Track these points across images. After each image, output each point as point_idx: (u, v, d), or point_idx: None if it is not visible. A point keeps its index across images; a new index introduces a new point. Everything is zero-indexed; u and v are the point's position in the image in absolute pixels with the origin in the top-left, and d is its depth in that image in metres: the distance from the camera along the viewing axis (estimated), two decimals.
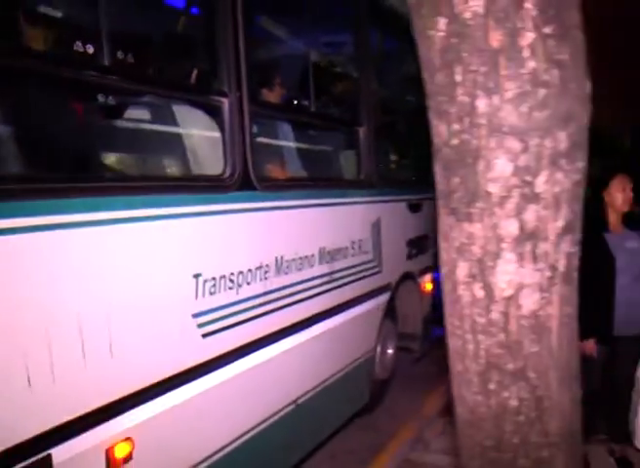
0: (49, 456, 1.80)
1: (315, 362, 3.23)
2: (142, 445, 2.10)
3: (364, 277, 3.79)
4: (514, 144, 1.29)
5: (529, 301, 1.44)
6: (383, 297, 4.16)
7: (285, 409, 2.97)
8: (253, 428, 2.68)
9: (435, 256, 5.07)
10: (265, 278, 2.74)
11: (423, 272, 4.85)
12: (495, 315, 1.47)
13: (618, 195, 3.47)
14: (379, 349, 4.29)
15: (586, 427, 3.68)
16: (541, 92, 1.26)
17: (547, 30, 1.24)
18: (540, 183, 1.32)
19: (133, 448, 2.07)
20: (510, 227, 1.36)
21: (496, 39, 1.24)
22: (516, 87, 1.25)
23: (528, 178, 1.31)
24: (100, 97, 2.52)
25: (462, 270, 1.46)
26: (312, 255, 3.17)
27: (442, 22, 1.28)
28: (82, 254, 1.87)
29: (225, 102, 2.56)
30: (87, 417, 1.91)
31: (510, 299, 1.44)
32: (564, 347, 1.54)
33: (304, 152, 3.67)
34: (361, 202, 3.80)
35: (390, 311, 4.37)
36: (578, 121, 1.32)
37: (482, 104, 1.28)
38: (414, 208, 4.58)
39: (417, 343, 4.86)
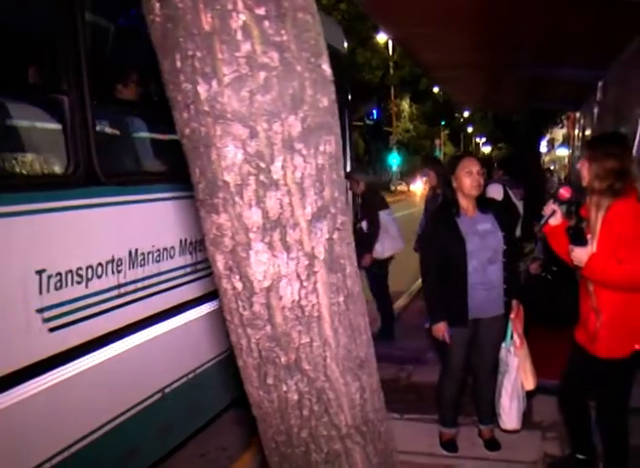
0: None
1: (184, 350, 3.19)
2: None
3: None
4: (240, 131, 1.23)
5: (289, 291, 1.40)
6: None
7: (151, 399, 2.91)
8: (113, 419, 2.61)
9: None
10: (119, 271, 2.69)
11: None
12: (257, 307, 1.42)
13: (464, 180, 3.49)
14: None
15: (455, 409, 3.78)
16: (261, 75, 1.20)
17: (261, 12, 1.19)
18: (277, 170, 1.28)
19: None
20: (254, 216, 1.32)
21: (207, 22, 1.17)
22: (233, 71, 1.19)
23: (262, 165, 1.26)
24: None
25: (220, 263, 1.41)
26: (172, 247, 3.14)
27: (157, 6, 1.21)
28: None
29: (65, 100, 2.49)
30: None
31: (270, 290, 1.39)
32: (341, 336, 1.50)
33: (159, 146, 3.58)
34: None
35: None
36: (312, 103, 1.27)
37: (203, 91, 1.22)
38: None
39: None
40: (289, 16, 1.23)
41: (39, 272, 2.25)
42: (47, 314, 2.28)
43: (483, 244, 3.48)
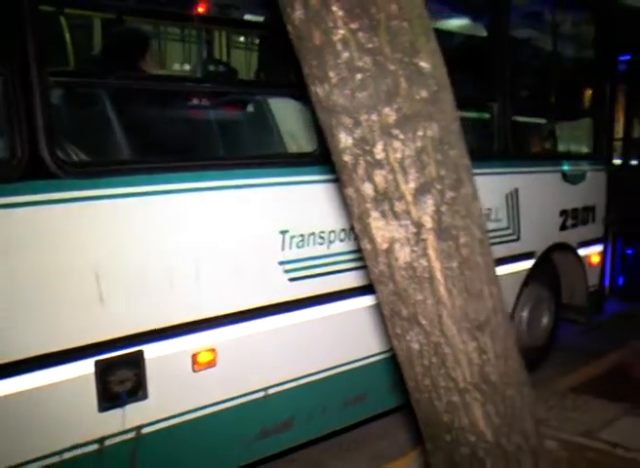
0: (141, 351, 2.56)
1: None
2: (224, 357, 2.77)
3: (493, 244, 3.93)
4: (347, 121, 1.62)
5: (402, 254, 1.73)
6: (522, 265, 4.27)
7: (382, 355, 3.34)
8: (347, 363, 3.17)
9: (607, 228, 4.95)
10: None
11: (586, 244, 4.76)
12: (382, 266, 1.80)
13: None
14: (523, 315, 4.48)
15: None
16: (358, 76, 1.57)
17: (355, 26, 1.55)
18: (380, 151, 1.63)
19: (215, 358, 2.74)
20: (368, 190, 1.69)
21: (317, 38, 1.58)
22: (337, 74, 1.58)
23: (367, 148, 1.63)
24: None
25: (356, 228, 1.82)
26: None
27: (290, 29, 1.66)
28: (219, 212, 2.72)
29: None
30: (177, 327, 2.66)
31: (389, 252, 1.75)
32: (456, 298, 1.77)
33: None
34: (493, 173, 3.97)
35: (538, 280, 4.44)
36: (407, 96, 1.59)
37: (320, 91, 1.64)
38: (572, 178, 4.54)
39: (582, 316, 4.84)
40: (382, 25, 1.55)
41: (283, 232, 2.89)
42: (288, 266, 2.92)
43: None
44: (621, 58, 5.24)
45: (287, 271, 2.91)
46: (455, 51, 4.44)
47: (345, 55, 1.57)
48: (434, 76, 1.64)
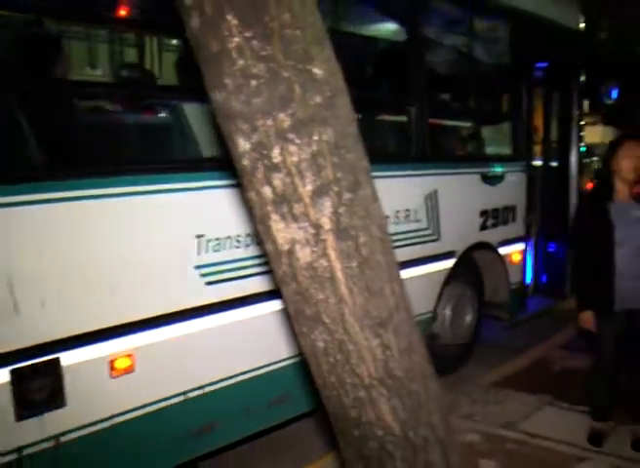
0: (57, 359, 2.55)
1: None
2: (142, 363, 2.78)
3: (413, 244, 4.06)
4: (245, 126, 1.67)
5: (303, 255, 1.79)
6: (443, 264, 4.40)
7: (290, 360, 3.40)
8: (252, 370, 3.22)
9: (528, 227, 5.15)
10: None
11: (507, 242, 4.97)
12: (284, 267, 1.85)
13: (624, 163, 3.42)
14: (446, 313, 4.60)
15: (605, 403, 3.69)
16: (253, 83, 1.62)
17: (249, 34, 1.60)
18: (276, 156, 1.69)
19: (133, 363, 2.74)
20: (267, 193, 1.74)
21: (214, 45, 1.63)
22: (233, 81, 1.63)
23: (264, 152, 1.68)
24: None
25: (260, 230, 1.85)
26: None
27: (188, 34, 1.70)
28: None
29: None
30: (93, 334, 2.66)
31: (290, 253, 1.80)
32: (357, 297, 1.83)
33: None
34: (411, 175, 4.09)
35: (460, 278, 4.59)
36: (301, 101, 1.65)
37: (218, 98, 1.69)
38: (491, 180, 4.72)
39: (505, 313, 5.05)
40: (276, 33, 1.61)
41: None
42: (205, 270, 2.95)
43: (636, 232, 3.40)
44: (539, 65, 5.48)
45: (203, 275, 2.94)
46: (372, 55, 4.57)
47: (241, 62, 1.62)
48: (329, 82, 1.70)
